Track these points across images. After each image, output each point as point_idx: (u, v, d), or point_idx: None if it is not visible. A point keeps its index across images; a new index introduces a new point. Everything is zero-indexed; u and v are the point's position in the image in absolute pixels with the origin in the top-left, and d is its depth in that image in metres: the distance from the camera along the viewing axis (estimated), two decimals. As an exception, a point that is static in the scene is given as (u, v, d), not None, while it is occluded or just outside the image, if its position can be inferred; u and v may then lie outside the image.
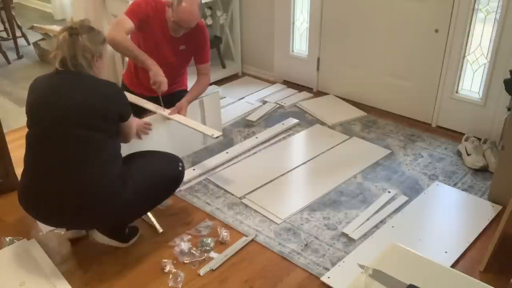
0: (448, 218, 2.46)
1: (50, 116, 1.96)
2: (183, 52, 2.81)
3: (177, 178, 2.32)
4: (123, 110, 2.08)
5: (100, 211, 2.00)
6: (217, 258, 2.19)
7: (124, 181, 2.02)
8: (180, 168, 2.31)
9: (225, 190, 2.67)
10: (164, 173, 2.24)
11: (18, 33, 4.82)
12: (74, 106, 1.95)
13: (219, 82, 3.99)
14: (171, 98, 2.76)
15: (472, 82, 3.12)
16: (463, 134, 3.09)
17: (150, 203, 2.25)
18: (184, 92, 2.91)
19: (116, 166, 2.03)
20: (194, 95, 2.85)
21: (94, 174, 1.95)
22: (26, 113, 2.03)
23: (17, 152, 2.57)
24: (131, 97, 2.68)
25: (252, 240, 2.30)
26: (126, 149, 2.20)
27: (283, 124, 3.33)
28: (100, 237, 2.25)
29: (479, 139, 2.98)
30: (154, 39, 2.71)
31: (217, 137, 2.60)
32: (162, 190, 2.26)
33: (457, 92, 3.17)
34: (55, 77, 2.03)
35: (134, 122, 2.25)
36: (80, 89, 1.99)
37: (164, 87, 2.60)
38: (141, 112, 2.76)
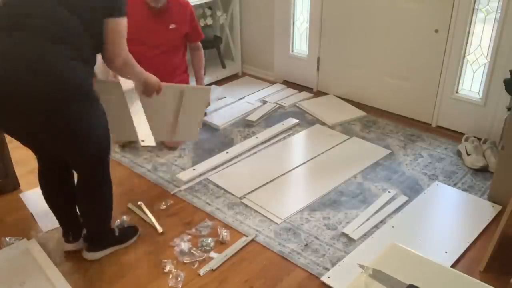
0: (448, 218, 2.46)
1: None
2: (173, 32, 2.69)
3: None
4: (112, 1, 1.87)
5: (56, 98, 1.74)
6: (217, 258, 2.19)
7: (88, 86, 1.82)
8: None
9: (225, 190, 2.67)
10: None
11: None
12: None
13: (219, 82, 3.99)
14: None
15: (472, 82, 3.12)
16: (463, 134, 3.09)
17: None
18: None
19: (85, 67, 1.83)
20: (200, 73, 2.79)
21: (58, 59, 1.74)
22: None
23: (17, 152, 2.57)
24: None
25: (252, 240, 2.30)
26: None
27: (283, 124, 3.33)
28: (95, 255, 2.18)
29: (479, 139, 2.98)
30: (135, 18, 2.45)
31: (145, 146, 2.19)
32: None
33: (457, 92, 3.17)
34: None
35: (125, 26, 1.93)
36: None
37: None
38: None
